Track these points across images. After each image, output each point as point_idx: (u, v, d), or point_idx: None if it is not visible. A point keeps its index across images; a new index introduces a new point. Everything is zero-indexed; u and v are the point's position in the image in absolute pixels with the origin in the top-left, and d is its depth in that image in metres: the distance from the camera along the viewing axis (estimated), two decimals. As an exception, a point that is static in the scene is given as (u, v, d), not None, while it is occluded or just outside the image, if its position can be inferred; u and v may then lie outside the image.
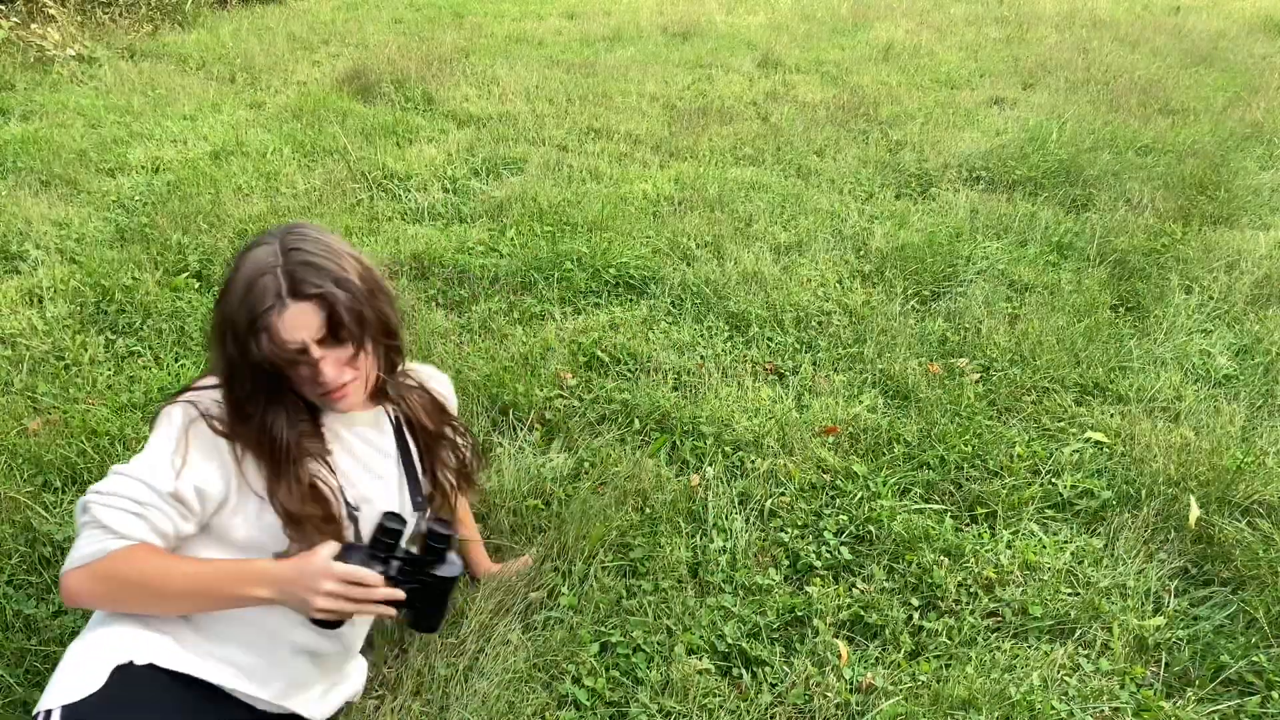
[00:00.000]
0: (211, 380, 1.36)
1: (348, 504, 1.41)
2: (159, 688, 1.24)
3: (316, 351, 1.27)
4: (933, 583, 1.94)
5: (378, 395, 1.46)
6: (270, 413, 1.32)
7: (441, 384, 1.67)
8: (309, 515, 1.33)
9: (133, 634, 1.27)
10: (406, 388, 1.54)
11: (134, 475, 1.26)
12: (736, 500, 2.17)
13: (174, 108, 4.88)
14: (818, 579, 1.96)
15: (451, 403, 1.67)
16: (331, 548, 1.27)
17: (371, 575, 1.25)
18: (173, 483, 1.26)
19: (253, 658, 1.36)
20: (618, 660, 1.76)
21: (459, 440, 1.63)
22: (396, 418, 1.54)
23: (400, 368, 1.48)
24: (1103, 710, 1.68)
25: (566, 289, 3.09)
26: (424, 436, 1.56)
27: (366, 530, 1.41)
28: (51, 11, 5.88)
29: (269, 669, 1.38)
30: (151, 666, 1.25)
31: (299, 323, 1.24)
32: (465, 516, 1.88)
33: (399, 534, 1.29)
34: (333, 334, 1.27)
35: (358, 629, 1.53)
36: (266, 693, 1.37)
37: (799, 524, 2.11)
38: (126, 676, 1.21)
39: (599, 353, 2.73)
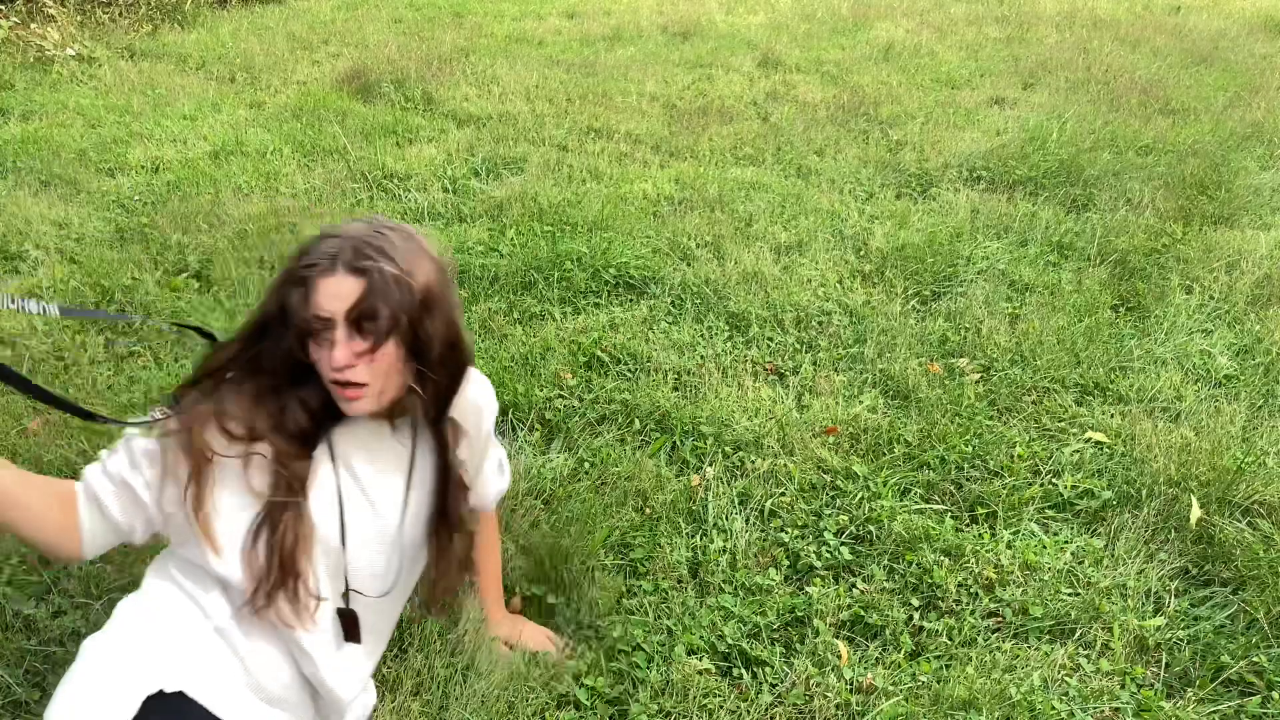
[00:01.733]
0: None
1: (342, 527, 1.33)
2: None
3: (340, 331, 1.19)
4: (933, 583, 1.93)
5: (397, 413, 1.35)
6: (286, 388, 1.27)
7: (475, 391, 1.45)
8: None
9: (161, 651, 1.25)
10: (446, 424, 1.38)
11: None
12: (736, 500, 2.17)
13: (174, 107, 4.88)
14: (818, 579, 1.96)
15: (474, 406, 1.46)
16: None
17: None
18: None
19: (274, 684, 1.33)
20: (617, 660, 1.76)
21: (460, 480, 1.43)
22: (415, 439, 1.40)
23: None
24: (1103, 710, 1.68)
25: (566, 289, 3.09)
26: (440, 478, 1.41)
27: (354, 570, 1.36)
28: (51, 11, 5.87)
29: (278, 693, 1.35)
30: (181, 695, 1.21)
31: (337, 291, 1.18)
32: (485, 553, 1.73)
33: None
34: (360, 317, 1.19)
35: (345, 671, 1.43)
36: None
37: (799, 524, 2.11)
38: (159, 708, 1.18)
39: (599, 353, 2.72)
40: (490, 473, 1.62)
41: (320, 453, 1.33)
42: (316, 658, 1.35)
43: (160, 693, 1.19)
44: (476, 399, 1.46)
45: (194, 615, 1.31)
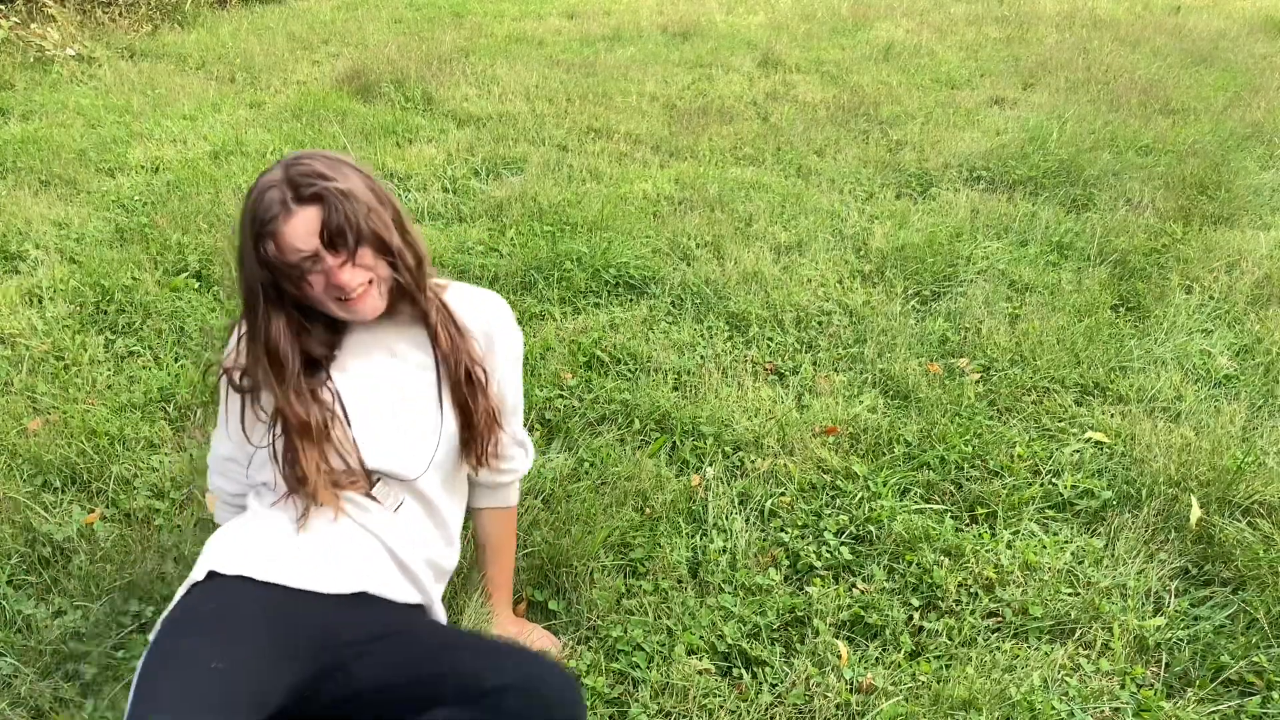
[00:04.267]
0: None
1: (346, 418, 1.45)
2: (220, 592, 1.33)
3: (329, 259, 1.32)
4: (933, 583, 1.93)
5: (402, 303, 1.46)
6: (274, 323, 1.38)
7: (478, 310, 1.56)
8: (308, 425, 1.40)
9: (220, 544, 1.41)
10: (432, 303, 1.49)
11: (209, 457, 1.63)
12: (736, 500, 2.17)
13: (174, 107, 4.88)
14: (818, 579, 1.96)
15: (483, 331, 1.55)
16: None
17: None
18: (218, 448, 1.59)
19: (289, 556, 1.41)
20: (617, 660, 1.76)
21: (484, 388, 1.53)
22: (432, 331, 1.51)
23: (429, 281, 1.48)
24: (1103, 710, 1.68)
25: (566, 289, 3.09)
26: (446, 362, 1.51)
27: (379, 454, 1.46)
28: (51, 11, 5.87)
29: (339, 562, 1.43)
30: (214, 576, 1.34)
31: (304, 229, 1.29)
32: (500, 543, 1.77)
33: None
34: (331, 238, 1.31)
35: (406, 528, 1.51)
36: (335, 585, 1.41)
37: (799, 524, 2.11)
38: (206, 587, 1.33)
39: (599, 353, 2.72)
40: (510, 443, 1.65)
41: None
42: (376, 526, 1.46)
43: (212, 573, 1.34)
44: (486, 327, 1.56)
45: (263, 518, 1.47)
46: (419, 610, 1.51)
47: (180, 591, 1.35)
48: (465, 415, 1.52)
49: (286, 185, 1.30)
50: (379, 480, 1.48)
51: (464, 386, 1.50)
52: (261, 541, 1.41)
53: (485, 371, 1.53)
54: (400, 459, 1.48)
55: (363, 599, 1.40)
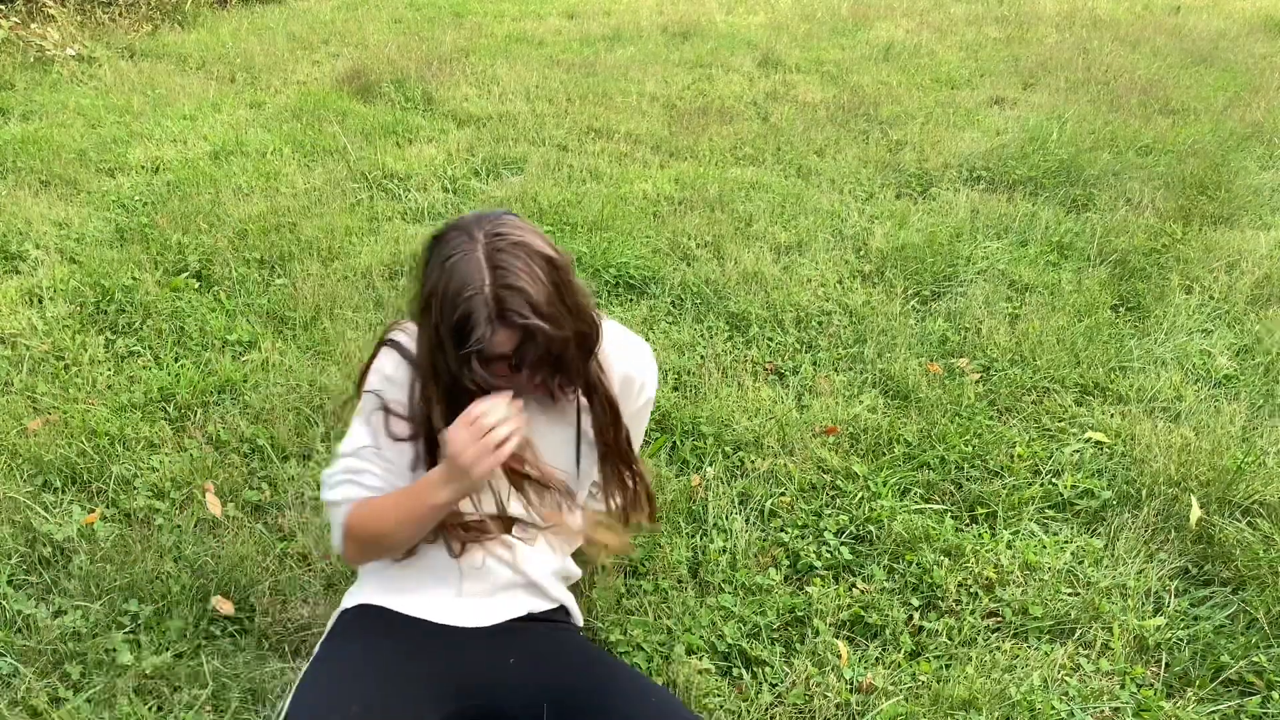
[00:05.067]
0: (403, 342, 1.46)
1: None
2: (371, 620, 1.46)
3: (505, 365, 1.32)
4: (933, 583, 1.94)
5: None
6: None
7: (622, 357, 1.54)
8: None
9: (356, 589, 1.53)
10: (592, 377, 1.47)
11: (342, 451, 1.46)
12: (736, 500, 2.17)
13: (174, 107, 4.88)
14: (818, 579, 1.96)
15: (623, 374, 1.53)
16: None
17: (488, 405, 1.30)
18: (371, 439, 1.45)
19: (434, 591, 1.50)
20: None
21: (628, 461, 1.55)
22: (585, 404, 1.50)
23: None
24: (1103, 710, 1.68)
25: (566, 289, 3.08)
26: (599, 433, 1.51)
27: (517, 506, 1.51)
28: (51, 11, 5.87)
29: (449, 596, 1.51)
30: (363, 606, 1.48)
31: (501, 342, 1.28)
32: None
33: None
34: (520, 359, 1.31)
35: (532, 557, 1.55)
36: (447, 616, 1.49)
37: (799, 524, 2.11)
38: (345, 617, 1.49)
39: (599, 353, 2.72)
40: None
41: None
42: (506, 551, 1.53)
43: (349, 608, 1.50)
44: (626, 370, 1.53)
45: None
46: (559, 623, 1.59)
47: (331, 620, 1.50)
48: (611, 485, 1.57)
49: (494, 305, 1.24)
50: (516, 523, 1.53)
51: (611, 458, 1.54)
52: (406, 576, 1.50)
53: (630, 439, 1.55)
54: (536, 512, 1.53)
55: (504, 628, 1.51)
